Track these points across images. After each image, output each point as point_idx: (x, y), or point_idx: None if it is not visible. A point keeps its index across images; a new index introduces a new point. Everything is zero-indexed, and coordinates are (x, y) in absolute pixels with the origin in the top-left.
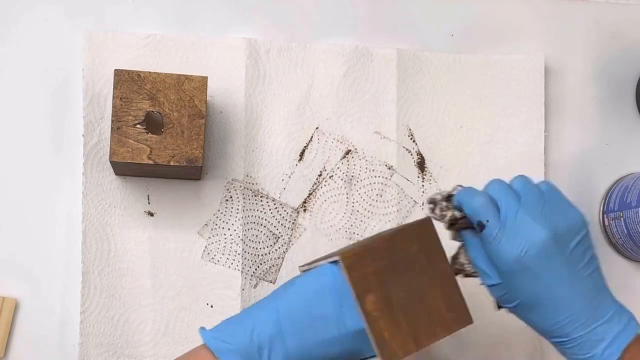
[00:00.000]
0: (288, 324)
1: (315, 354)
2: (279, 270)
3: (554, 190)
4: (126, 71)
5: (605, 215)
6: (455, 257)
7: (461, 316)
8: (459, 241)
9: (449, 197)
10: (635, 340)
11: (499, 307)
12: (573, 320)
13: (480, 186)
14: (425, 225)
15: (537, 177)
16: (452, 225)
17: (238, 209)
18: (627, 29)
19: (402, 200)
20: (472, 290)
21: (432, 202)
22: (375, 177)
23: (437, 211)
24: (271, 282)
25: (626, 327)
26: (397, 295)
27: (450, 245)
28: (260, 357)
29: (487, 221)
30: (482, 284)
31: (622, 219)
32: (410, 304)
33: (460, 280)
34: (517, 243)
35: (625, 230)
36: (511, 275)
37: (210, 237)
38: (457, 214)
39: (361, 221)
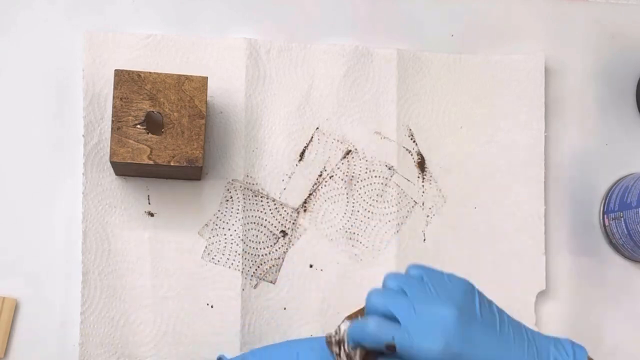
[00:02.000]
0: None
1: None
2: (279, 270)
3: (426, 269)
4: (126, 71)
5: (605, 215)
6: None
7: None
8: None
9: (339, 342)
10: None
11: None
12: None
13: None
14: None
15: (537, 177)
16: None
17: (238, 209)
18: (627, 29)
19: (402, 200)
20: None
21: (333, 347)
22: (375, 177)
23: (344, 357)
24: (271, 282)
25: (574, 347)
26: None
27: None
28: None
29: (393, 338)
30: None
31: (622, 219)
32: None
33: None
34: (434, 335)
35: (625, 230)
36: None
37: (210, 237)
38: (362, 351)
39: (361, 221)
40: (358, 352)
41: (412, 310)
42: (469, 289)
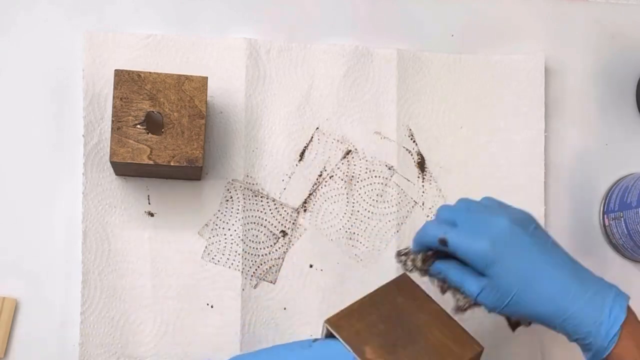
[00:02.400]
0: None
1: None
2: (279, 270)
3: (496, 200)
4: (126, 71)
5: (605, 215)
6: (454, 303)
7: (469, 346)
8: (438, 278)
9: (406, 253)
10: (629, 311)
11: (513, 326)
12: (565, 293)
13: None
14: (402, 280)
15: (537, 177)
16: (425, 263)
17: (238, 209)
18: (627, 29)
19: (402, 200)
20: None
21: (401, 257)
22: (375, 177)
23: (409, 262)
24: (271, 282)
25: (617, 296)
26: (395, 340)
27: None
28: None
29: (445, 233)
30: (488, 310)
31: (622, 219)
32: (412, 345)
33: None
34: (483, 235)
35: (625, 230)
36: (491, 271)
37: (210, 237)
38: (424, 254)
39: (361, 221)
40: (420, 255)
41: (472, 213)
42: (529, 217)
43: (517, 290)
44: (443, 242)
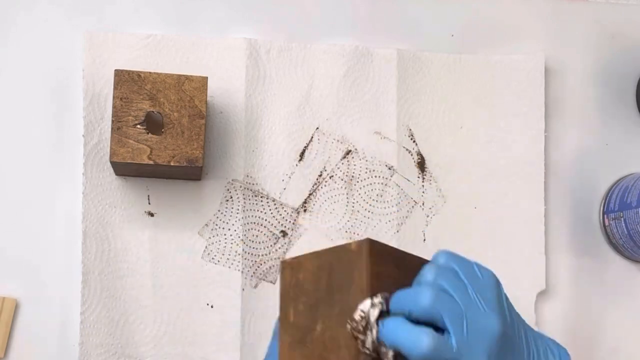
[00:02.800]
0: None
1: None
2: (279, 270)
3: (456, 259)
4: (126, 71)
5: (605, 215)
6: None
7: None
8: None
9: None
10: None
11: None
12: None
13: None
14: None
15: (537, 177)
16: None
17: (238, 209)
18: (627, 29)
19: (402, 200)
20: None
21: (359, 333)
22: (375, 177)
23: (369, 344)
24: (271, 282)
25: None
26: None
27: None
28: None
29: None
30: None
31: (622, 219)
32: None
33: None
34: (478, 350)
35: (625, 230)
36: None
37: (210, 237)
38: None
39: (361, 221)
40: (391, 352)
41: (463, 321)
42: (497, 283)
43: None
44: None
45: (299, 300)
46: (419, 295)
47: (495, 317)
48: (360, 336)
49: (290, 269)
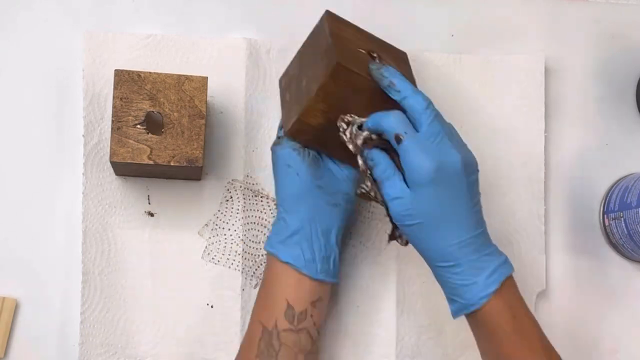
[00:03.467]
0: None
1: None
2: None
3: (456, 131)
4: (126, 71)
5: (605, 215)
6: (360, 182)
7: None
8: (367, 163)
9: (360, 125)
10: (509, 277)
11: (391, 238)
12: (462, 245)
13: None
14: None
15: (537, 177)
16: (365, 144)
17: (238, 209)
18: (627, 29)
19: None
20: None
21: (347, 122)
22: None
23: (348, 133)
24: None
25: (504, 264)
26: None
27: None
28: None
29: (405, 133)
30: (386, 213)
31: (622, 219)
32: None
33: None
34: (433, 158)
35: (625, 230)
36: (419, 189)
37: (210, 237)
38: (368, 135)
39: (361, 221)
40: (364, 134)
41: (437, 133)
42: (475, 165)
43: (427, 220)
44: (398, 139)
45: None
46: (418, 101)
47: (459, 155)
48: (349, 127)
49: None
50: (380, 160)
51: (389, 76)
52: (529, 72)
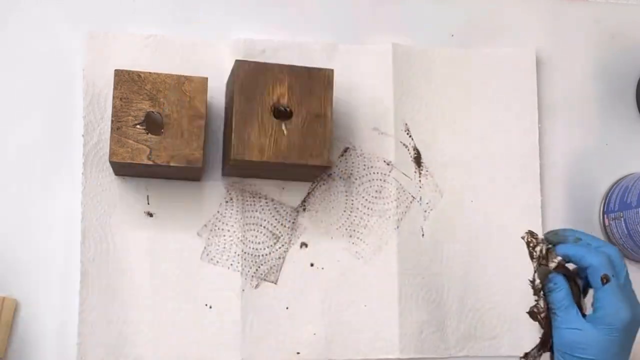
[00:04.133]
0: None
1: None
2: (280, 270)
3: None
4: (126, 71)
5: (605, 215)
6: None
7: None
8: (544, 283)
9: (549, 244)
10: None
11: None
12: None
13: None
14: None
15: (533, 168)
16: (556, 267)
17: (237, 210)
18: (627, 29)
19: (400, 196)
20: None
21: (533, 238)
22: (374, 173)
23: (537, 250)
24: (273, 282)
25: None
26: None
27: None
28: None
29: (613, 276)
30: (541, 336)
31: (622, 219)
32: None
33: None
34: (631, 308)
35: (625, 230)
36: (606, 330)
37: (209, 238)
38: (561, 259)
39: (361, 218)
40: (558, 260)
41: (627, 281)
42: None
43: (598, 358)
44: (606, 279)
45: None
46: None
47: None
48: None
49: None
50: (563, 286)
51: (571, 235)
52: (520, 64)
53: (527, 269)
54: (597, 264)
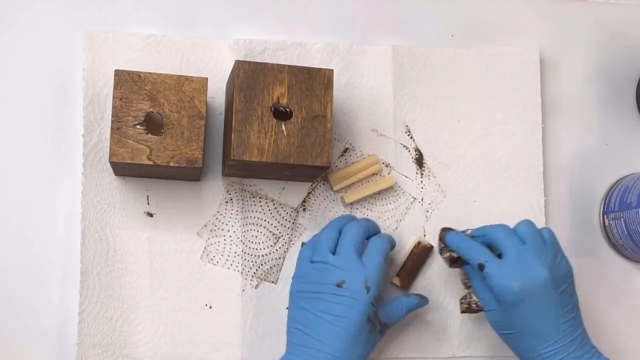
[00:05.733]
0: None
1: None
2: (280, 270)
3: (553, 238)
4: (126, 71)
5: (605, 215)
6: (464, 297)
7: None
8: (464, 273)
9: (443, 249)
10: None
11: (466, 310)
12: (555, 352)
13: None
14: None
15: (536, 168)
16: (453, 263)
17: (237, 210)
18: (627, 29)
19: (399, 197)
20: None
21: (442, 248)
22: (373, 174)
23: (444, 253)
24: (273, 282)
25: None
26: None
27: None
28: None
29: (486, 261)
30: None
31: (622, 219)
32: None
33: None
34: (517, 279)
35: (625, 230)
36: (508, 306)
37: (209, 238)
38: (454, 254)
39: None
40: (447, 254)
41: (519, 253)
42: (568, 274)
43: (517, 331)
44: (481, 267)
45: None
46: (498, 227)
47: (546, 271)
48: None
49: None
50: (472, 277)
51: (469, 233)
52: (523, 63)
53: None
54: (467, 256)
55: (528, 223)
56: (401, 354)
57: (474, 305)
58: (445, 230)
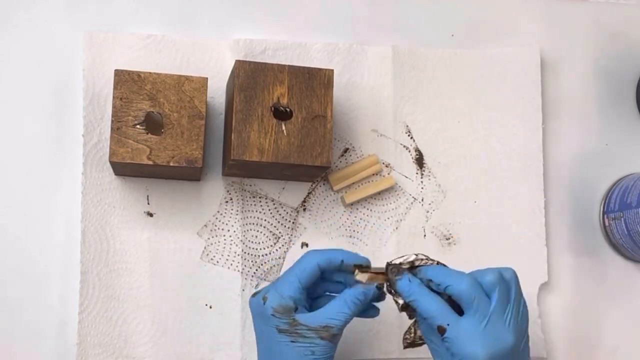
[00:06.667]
0: None
1: None
2: (280, 270)
3: (515, 281)
4: (126, 71)
5: (605, 215)
6: (408, 331)
7: None
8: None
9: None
10: None
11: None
12: None
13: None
14: None
15: (536, 169)
16: (402, 309)
17: (237, 210)
18: (627, 29)
19: (400, 197)
20: None
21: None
22: (373, 174)
23: (387, 289)
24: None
25: None
26: None
27: None
28: None
29: (448, 325)
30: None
31: (622, 219)
32: None
33: None
34: (484, 346)
35: (625, 230)
36: None
37: (209, 238)
38: (407, 304)
39: (360, 219)
40: (401, 302)
41: (487, 318)
42: (527, 316)
43: None
44: (441, 330)
45: None
46: (465, 279)
47: (513, 337)
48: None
49: None
50: (426, 334)
51: (424, 276)
52: (524, 64)
53: (528, 269)
54: (427, 316)
55: (495, 273)
56: (397, 354)
57: (418, 341)
58: (394, 268)
